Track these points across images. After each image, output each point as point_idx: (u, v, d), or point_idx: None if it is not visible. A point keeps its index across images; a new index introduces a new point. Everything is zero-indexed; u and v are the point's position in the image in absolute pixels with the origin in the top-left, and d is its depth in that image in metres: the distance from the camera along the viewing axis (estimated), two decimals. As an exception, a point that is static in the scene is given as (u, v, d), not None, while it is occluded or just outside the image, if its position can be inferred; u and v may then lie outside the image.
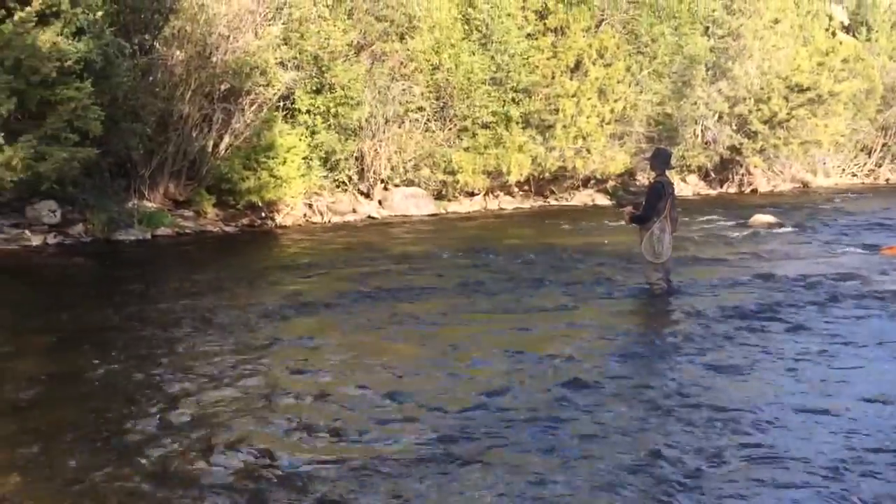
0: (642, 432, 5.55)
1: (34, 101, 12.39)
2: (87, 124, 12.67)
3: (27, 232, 13.83)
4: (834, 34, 36.44)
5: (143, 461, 5.07)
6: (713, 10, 29.65)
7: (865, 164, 37.23)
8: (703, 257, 13.22)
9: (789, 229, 17.38)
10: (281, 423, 5.72)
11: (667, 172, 10.18)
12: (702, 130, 30.45)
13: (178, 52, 16.33)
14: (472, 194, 23.33)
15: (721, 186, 31.44)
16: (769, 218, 18.37)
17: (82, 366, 7.06)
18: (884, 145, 36.72)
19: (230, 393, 6.35)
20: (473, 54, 21.92)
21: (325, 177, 19.38)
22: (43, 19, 12.23)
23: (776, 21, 31.64)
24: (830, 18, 38.08)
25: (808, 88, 30.21)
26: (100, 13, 13.39)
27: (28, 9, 11.93)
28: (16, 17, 11.83)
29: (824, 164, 35.25)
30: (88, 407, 6.02)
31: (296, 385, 6.57)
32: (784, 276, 11.30)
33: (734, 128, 30.59)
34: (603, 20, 24.93)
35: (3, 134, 12.08)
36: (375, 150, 20.45)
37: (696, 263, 12.51)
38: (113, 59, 13.86)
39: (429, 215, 21.00)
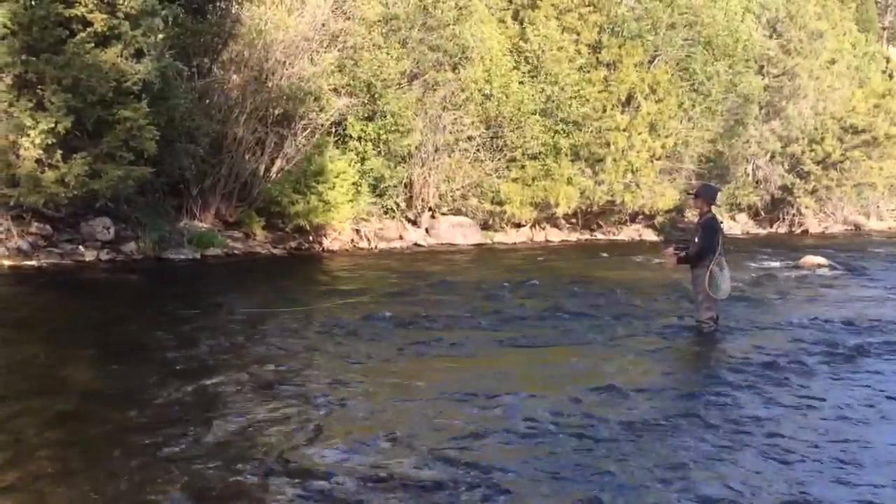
0: (687, 473, 5.45)
1: (91, 119, 12.66)
2: (143, 144, 12.89)
3: (81, 248, 14.06)
4: (891, 76, 36.04)
5: (186, 478, 5.08)
6: (768, 49, 29.46)
7: (921, 208, 36.56)
8: (753, 298, 13.02)
9: (841, 272, 17.07)
10: (327, 445, 5.71)
11: (713, 209, 10.03)
12: (753, 169, 30.21)
13: (234, 76, 16.60)
14: (518, 225, 23.32)
15: (771, 226, 31.09)
16: (820, 259, 18.05)
17: (130, 380, 7.13)
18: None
19: (275, 411, 6.36)
20: (523, 84, 21.99)
21: (374, 203, 19.50)
22: (104, 40, 12.51)
23: (832, 62, 31.38)
24: (888, 60, 37.69)
25: (864, 130, 29.84)
26: (160, 36, 13.64)
27: (89, 29, 12.21)
28: (76, 38, 12.12)
29: (878, 207, 34.71)
30: (134, 421, 6.07)
31: (341, 409, 6.57)
32: (834, 320, 11.08)
33: (786, 167, 30.29)
34: (657, 56, 24.88)
35: (60, 151, 12.35)
36: (424, 177, 20.56)
37: (745, 304, 12.32)
38: (171, 80, 14.12)
39: (475, 245, 21.02)
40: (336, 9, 18.32)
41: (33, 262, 13.14)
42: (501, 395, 7.06)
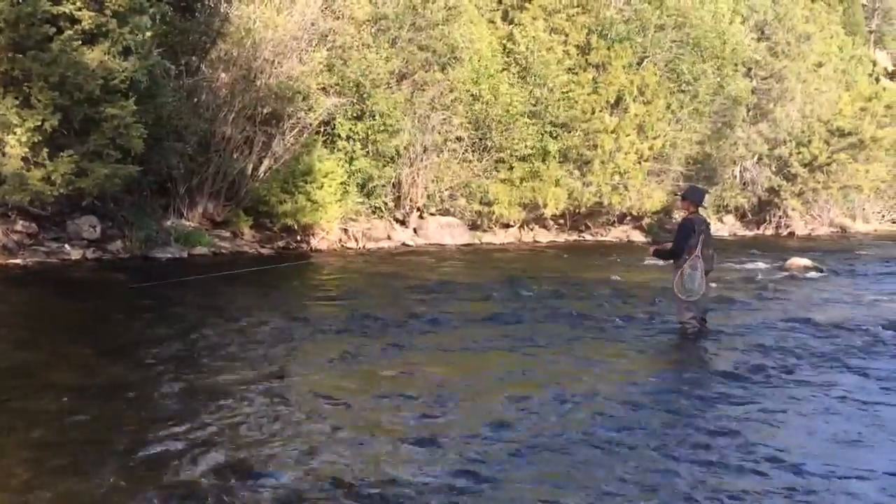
0: (669, 475, 5.46)
1: (78, 117, 12.60)
2: (130, 142, 12.82)
3: (67, 246, 14.00)
4: (877, 80, 36.24)
5: (169, 479, 5.06)
6: (755, 52, 29.57)
7: (906, 210, 36.80)
8: (739, 299, 13.05)
9: (827, 274, 17.16)
10: (307, 446, 5.70)
11: (700, 210, 10.09)
12: (740, 171, 30.34)
13: (223, 75, 16.56)
14: (507, 226, 23.36)
15: (758, 228, 31.23)
16: (806, 261, 18.14)
17: (115, 379, 7.09)
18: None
19: (259, 412, 6.34)
20: (512, 86, 22.01)
21: (362, 203, 19.48)
22: (91, 38, 12.46)
23: (820, 65, 31.54)
24: (874, 64, 37.89)
25: (850, 133, 30.00)
26: (148, 34, 13.57)
27: (77, 27, 12.16)
28: (63, 35, 12.06)
29: (864, 209, 34.91)
30: (119, 420, 6.04)
31: (321, 410, 6.56)
32: (820, 321, 11.11)
33: (773, 170, 30.43)
34: (645, 57, 24.92)
35: (46, 149, 12.29)
36: (413, 177, 20.55)
37: (730, 305, 12.36)
38: (159, 79, 14.07)
39: (463, 245, 21.02)
40: (325, 8, 18.29)
41: (18, 261, 13.08)
42: (483, 397, 7.06)
